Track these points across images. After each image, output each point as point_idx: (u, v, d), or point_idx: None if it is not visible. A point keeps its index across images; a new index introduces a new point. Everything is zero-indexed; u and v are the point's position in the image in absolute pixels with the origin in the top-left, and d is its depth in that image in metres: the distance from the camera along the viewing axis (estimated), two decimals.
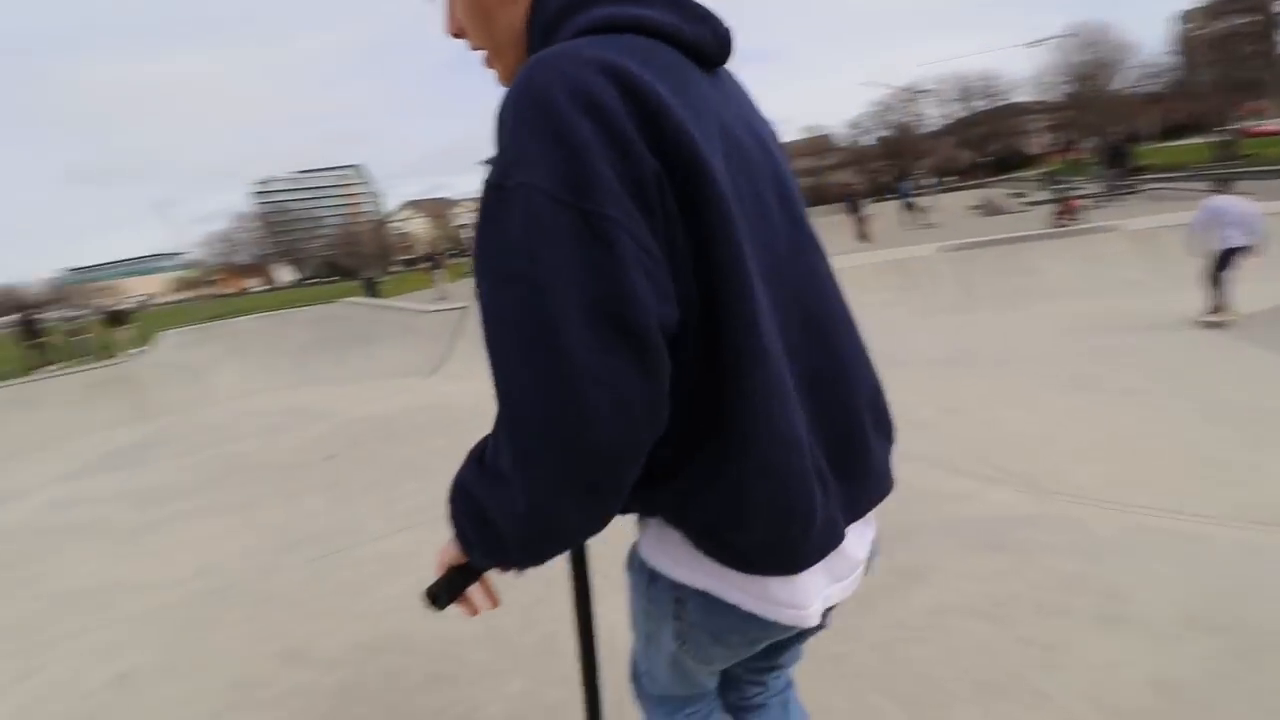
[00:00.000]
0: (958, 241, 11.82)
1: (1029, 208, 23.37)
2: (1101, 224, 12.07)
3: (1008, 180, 44.11)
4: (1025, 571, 2.49)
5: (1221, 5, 30.96)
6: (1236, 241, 6.64)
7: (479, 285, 0.62)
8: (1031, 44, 58.76)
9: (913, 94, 57.20)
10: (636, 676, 1.12)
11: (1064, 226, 16.39)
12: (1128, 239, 10.34)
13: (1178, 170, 30.53)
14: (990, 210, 25.00)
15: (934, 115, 59.15)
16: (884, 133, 59.85)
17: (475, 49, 0.84)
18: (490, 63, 0.83)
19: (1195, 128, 38.83)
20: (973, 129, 55.76)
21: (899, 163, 57.46)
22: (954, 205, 32.52)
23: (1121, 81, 49.10)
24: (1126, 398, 4.87)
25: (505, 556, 0.70)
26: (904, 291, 10.89)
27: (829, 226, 22.41)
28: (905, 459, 1.12)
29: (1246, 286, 6.95)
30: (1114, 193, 20.51)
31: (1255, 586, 2.25)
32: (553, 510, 0.62)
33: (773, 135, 0.87)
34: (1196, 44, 37.65)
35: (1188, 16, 40.68)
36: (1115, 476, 3.42)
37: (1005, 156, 54.93)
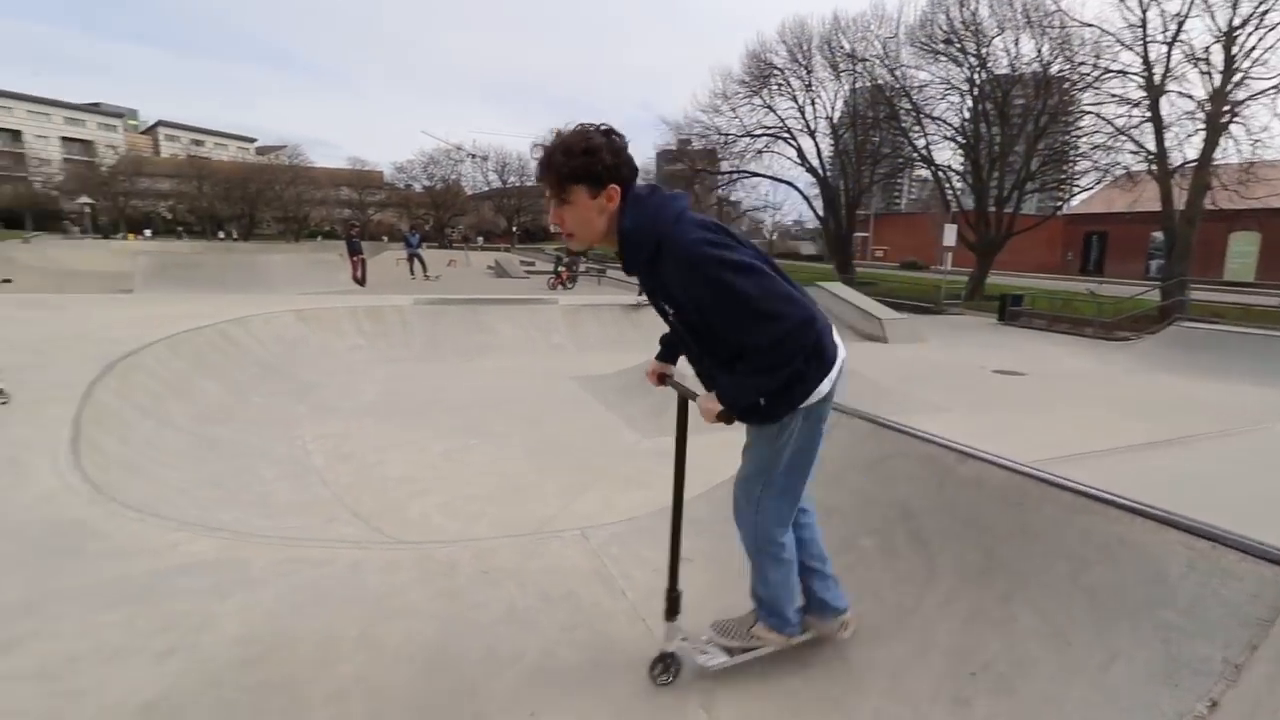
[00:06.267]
0: (430, 297, 12.58)
1: (530, 275, 26.93)
2: (546, 298, 14.54)
3: (529, 249, 50.30)
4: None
5: None
6: None
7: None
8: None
9: (463, 154, 60.86)
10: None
11: (556, 290, 20.14)
12: (560, 312, 12.56)
13: None
14: (500, 273, 27.86)
15: (474, 177, 63.81)
16: (428, 183, 61.76)
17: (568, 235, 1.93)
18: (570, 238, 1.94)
19: None
20: (506, 199, 62.29)
21: (440, 214, 59.97)
22: (480, 262, 35.39)
23: None
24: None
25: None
26: (374, 338, 10.94)
27: (322, 265, 21.59)
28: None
29: None
30: (590, 273, 25.26)
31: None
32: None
33: None
34: None
35: None
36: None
37: (531, 229, 62.81)
